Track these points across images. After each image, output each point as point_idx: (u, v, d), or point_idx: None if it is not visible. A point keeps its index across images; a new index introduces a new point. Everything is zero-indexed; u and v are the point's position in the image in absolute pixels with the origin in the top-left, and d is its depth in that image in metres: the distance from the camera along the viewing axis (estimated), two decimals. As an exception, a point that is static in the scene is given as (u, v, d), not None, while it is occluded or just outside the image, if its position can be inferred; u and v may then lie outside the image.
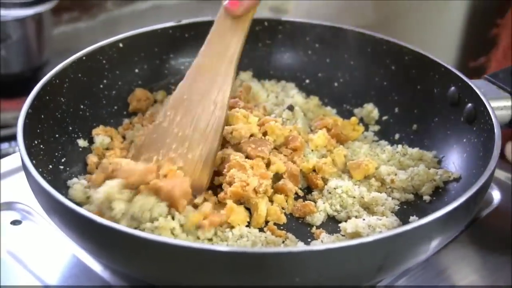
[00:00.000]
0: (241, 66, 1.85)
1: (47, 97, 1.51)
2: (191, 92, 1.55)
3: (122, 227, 1.19)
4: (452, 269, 1.43)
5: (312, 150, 1.58)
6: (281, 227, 1.42)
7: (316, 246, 1.23)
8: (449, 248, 1.44)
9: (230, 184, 1.40)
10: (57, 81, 1.54)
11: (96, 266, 1.40)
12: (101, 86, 1.68)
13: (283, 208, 1.46)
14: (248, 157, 1.46)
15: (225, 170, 1.43)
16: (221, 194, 1.41)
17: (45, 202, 1.31)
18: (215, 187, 1.46)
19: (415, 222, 1.18)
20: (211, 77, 1.56)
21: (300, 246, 1.32)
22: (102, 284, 1.38)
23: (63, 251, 1.44)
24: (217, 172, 1.46)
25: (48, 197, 1.26)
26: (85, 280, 1.39)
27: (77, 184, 1.46)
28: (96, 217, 1.19)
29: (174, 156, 1.46)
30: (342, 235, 1.38)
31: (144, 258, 1.19)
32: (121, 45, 1.70)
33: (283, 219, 1.43)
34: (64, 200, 1.23)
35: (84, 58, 1.62)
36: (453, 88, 1.60)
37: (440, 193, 1.51)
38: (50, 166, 1.45)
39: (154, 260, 1.18)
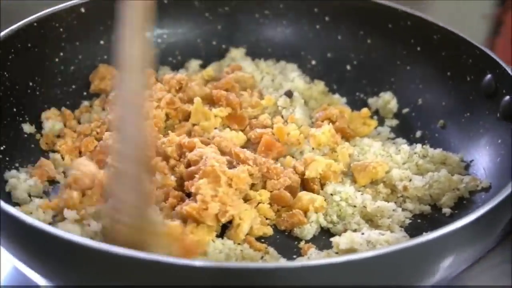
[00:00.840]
0: (233, 41, 1.86)
1: (-14, 71, 1.52)
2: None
3: (61, 232, 1.18)
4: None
5: (313, 148, 1.58)
6: (263, 240, 1.42)
7: (289, 263, 1.23)
8: (476, 269, 1.45)
9: (194, 196, 1.39)
10: (0, 51, 1.55)
11: (39, 279, 1.41)
12: (57, 59, 1.69)
13: (266, 218, 1.46)
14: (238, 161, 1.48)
15: (196, 176, 1.42)
16: (178, 208, 1.40)
17: None
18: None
19: (416, 239, 1.17)
20: None
21: (276, 263, 1.32)
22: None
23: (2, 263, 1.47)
24: (190, 174, 1.46)
25: None
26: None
27: (14, 179, 1.47)
28: (32, 220, 1.18)
29: None
30: (335, 252, 1.38)
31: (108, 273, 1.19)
32: (82, 10, 1.71)
33: (269, 232, 1.44)
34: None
35: (35, 24, 1.63)
36: (489, 76, 1.59)
37: (464, 205, 1.50)
38: (-16, 154, 1.46)
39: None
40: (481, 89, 1.60)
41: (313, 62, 1.85)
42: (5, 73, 1.57)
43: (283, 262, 1.33)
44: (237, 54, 1.85)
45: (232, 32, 1.87)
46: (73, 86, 1.71)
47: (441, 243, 1.18)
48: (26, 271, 1.39)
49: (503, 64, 1.56)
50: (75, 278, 1.24)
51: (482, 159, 1.56)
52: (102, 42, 1.76)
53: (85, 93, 1.73)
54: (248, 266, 1.16)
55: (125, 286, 1.18)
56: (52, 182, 1.52)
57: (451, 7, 2.21)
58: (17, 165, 1.53)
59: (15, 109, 1.58)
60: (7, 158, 1.52)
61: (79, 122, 1.66)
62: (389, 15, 1.77)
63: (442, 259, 1.22)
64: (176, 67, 1.84)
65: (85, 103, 1.71)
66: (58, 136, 1.61)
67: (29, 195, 1.47)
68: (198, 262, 1.12)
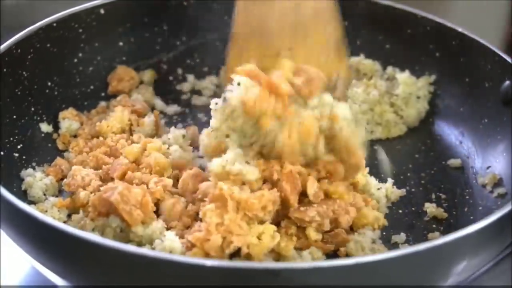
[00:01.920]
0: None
1: (4, 70, 1.52)
2: None
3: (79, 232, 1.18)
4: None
5: None
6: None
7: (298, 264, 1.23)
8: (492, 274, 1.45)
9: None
10: (19, 50, 1.56)
11: (57, 279, 1.41)
12: (75, 60, 1.70)
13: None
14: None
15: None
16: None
17: None
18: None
19: (431, 242, 1.16)
20: None
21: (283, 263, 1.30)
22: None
23: (19, 261, 1.47)
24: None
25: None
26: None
27: (30, 177, 1.48)
28: (45, 217, 1.19)
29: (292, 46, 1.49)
30: None
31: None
32: (102, 11, 1.72)
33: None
34: (15, 200, 1.21)
35: (55, 25, 1.64)
36: (507, 82, 1.58)
37: (480, 211, 1.50)
38: (2, 153, 1.46)
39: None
40: (499, 96, 1.59)
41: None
42: (24, 72, 1.58)
43: (291, 263, 1.32)
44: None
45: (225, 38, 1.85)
46: (91, 87, 1.72)
47: (456, 247, 1.19)
48: (44, 271, 1.41)
49: (522, 71, 1.56)
50: (88, 277, 1.25)
51: (499, 165, 1.55)
52: (121, 43, 1.77)
53: (103, 94, 1.74)
54: (256, 267, 1.15)
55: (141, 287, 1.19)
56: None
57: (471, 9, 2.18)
58: (34, 164, 1.54)
59: (33, 109, 1.59)
60: (24, 157, 1.53)
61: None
62: (408, 21, 1.77)
63: (456, 263, 1.21)
64: (193, 70, 1.84)
65: (102, 103, 1.71)
66: (75, 136, 1.62)
67: (44, 194, 1.48)
68: (208, 262, 1.12)
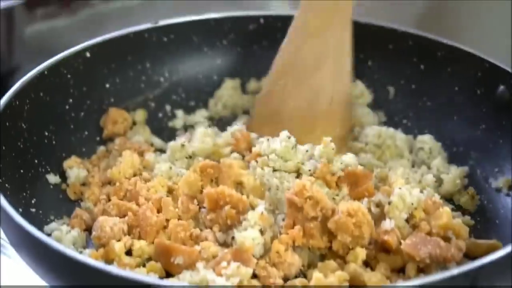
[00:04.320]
0: (233, 74, 1.85)
1: (7, 123, 1.46)
2: (301, 57, 1.55)
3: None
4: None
5: None
6: None
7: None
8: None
9: None
10: (17, 102, 1.50)
11: None
12: (67, 106, 1.65)
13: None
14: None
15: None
16: None
17: (14, 234, 1.29)
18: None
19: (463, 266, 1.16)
20: (323, 40, 1.58)
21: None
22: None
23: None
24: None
25: (16, 228, 1.24)
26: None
27: (57, 232, 1.43)
28: (81, 257, 1.17)
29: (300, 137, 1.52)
30: None
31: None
32: (88, 54, 1.68)
33: None
34: (37, 233, 1.20)
35: (46, 72, 1.59)
36: (502, 87, 1.61)
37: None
38: (20, 209, 1.39)
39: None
40: (495, 101, 1.62)
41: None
42: (22, 124, 1.52)
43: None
44: (230, 84, 1.84)
45: (229, 64, 1.85)
46: (86, 132, 1.67)
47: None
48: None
49: (516, 74, 1.59)
50: None
51: (508, 169, 1.57)
52: (107, 85, 1.73)
53: (98, 138, 1.69)
54: None
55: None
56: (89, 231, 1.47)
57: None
58: (52, 217, 1.48)
59: (36, 160, 1.53)
60: (41, 211, 1.47)
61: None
62: (388, 36, 1.78)
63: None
64: (180, 105, 1.81)
65: (101, 148, 1.67)
66: (84, 184, 1.57)
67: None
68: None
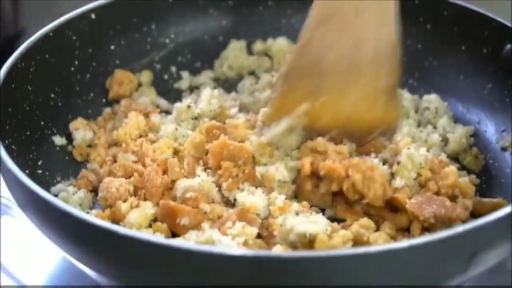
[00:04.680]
0: (239, 35, 1.84)
1: (13, 85, 1.46)
2: (342, 3, 1.46)
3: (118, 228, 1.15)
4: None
5: None
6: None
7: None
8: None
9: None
10: (23, 64, 1.50)
11: (90, 270, 1.38)
12: (72, 68, 1.64)
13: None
14: None
15: None
16: None
17: (23, 198, 1.29)
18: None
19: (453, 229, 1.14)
20: None
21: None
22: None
23: (49, 251, 1.44)
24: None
25: (24, 189, 1.23)
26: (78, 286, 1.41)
27: (64, 193, 1.44)
28: (88, 217, 1.17)
29: (343, 89, 1.45)
30: None
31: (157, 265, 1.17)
32: (93, 16, 1.67)
33: None
34: (44, 194, 1.20)
35: (51, 34, 1.58)
36: (509, 46, 1.60)
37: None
38: (27, 171, 1.40)
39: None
40: (501, 60, 1.61)
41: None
42: (28, 86, 1.52)
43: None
44: (236, 45, 1.83)
45: (234, 26, 1.85)
46: (92, 94, 1.68)
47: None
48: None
49: (524, 33, 1.58)
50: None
51: (516, 128, 1.57)
52: (112, 47, 1.73)
53: (104, 100, 1.69)
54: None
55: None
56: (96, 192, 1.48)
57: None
58: (58, 179, 1.50)
59: (42, 122, 1.54)
60: (47, 173, 1.48)
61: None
62: (395, -4, 1.77)
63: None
64: (186, 66, 1.81)
65: (107, 109, 1.67)
66: (90, 146, 1.57)
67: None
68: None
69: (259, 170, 1.42)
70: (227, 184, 1.41)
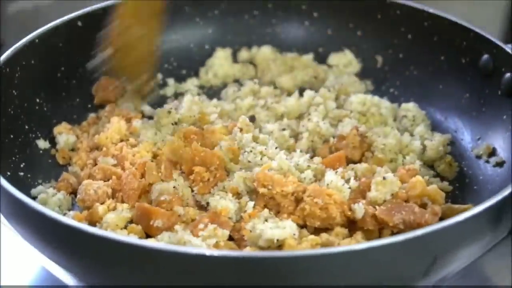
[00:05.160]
0: (224, 43, 1.87)
1: (-2, 89, 1.50)
2: None
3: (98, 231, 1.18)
4: (498, 277, 1.48)
5: None
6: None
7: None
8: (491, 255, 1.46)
9: None
10: (8, 69, 1.53)
11: (68, 279, 1.42)
12: (59, 74, 1.68)
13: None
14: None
15: None
16: None
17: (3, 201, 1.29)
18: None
19: (431, 227, 1.17)
20: None
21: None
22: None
23: (29, 262, 1.47)
24: None
25: (5, 195, 1.25)
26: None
27: (43, 195, 1.47)
28: (70, 221, 1.19)
29: None
30: None
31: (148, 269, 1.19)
32: (79, 23, 1.71)
33: None
34: (28, 201, 1.22)
35: (37, 41, 1.61)
36: (486, 56, 1.63)
37: (480, 180, 1.55)
38: (8, 173, 1.43)
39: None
40: (479, 70, 1.64)
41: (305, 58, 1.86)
42: (13, 91, 1.55)
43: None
44: (220, 54, 1.86)
45: (223, 34, 1.88)
46: (77, 100, 1.71)
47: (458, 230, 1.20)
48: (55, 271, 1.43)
49: (500, 44, 1.60)
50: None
51: (489, 137, 1.59)
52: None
53: (89, 106, 1.72)
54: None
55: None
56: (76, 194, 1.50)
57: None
58: (40, 181, 1.52)
59: (27, 126, 1.57)
60: (29, 175, 1.51)
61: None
62: (377, 6, 1.80)
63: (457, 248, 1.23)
64: (172, 73, 1.84)
65: (92, 115, 1.70)
66: (73, 150, 1.60)
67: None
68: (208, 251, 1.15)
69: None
70: (199, 188, 1.44)
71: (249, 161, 1.49)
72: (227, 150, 1.49)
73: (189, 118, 1.62)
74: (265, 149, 1.50)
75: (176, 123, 1.61)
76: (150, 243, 1.21)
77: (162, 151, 1.52)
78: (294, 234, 1.32)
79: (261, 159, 1.48)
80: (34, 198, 1.46)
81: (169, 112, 1.61)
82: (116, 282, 1.23)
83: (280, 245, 1.31)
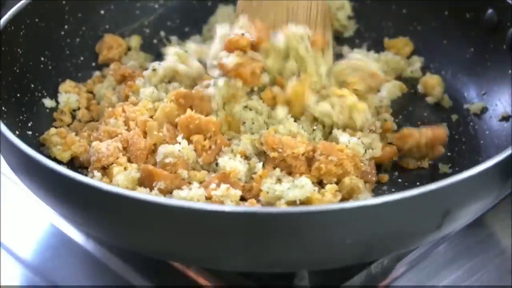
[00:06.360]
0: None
1: (3, 48, 1.49)
2: None
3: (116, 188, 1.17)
4: (500, 234, 1.50)
5: None
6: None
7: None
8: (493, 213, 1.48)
9: None
10: (12, 28, 1.52)
11: (77, 236, 1.42)
12: (62, 32, 1.67)
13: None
14: None
15: None
16: None
17: (14, 159, 1.30)
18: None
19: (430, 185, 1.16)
20: None
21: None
22: (85, 255, 1.41)
23: (38, 219, 1.47)
24: None
25: (17, 152, 1.25)
26: (65, 252, 1.41)
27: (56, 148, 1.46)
28: (80, 177, 1.18)
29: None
30: None
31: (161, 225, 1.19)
32: (83, -19, 1.69)
33: None
34: (37, 156, 1.22)
35: (41, -1, 1.60)
36: (490, 11, 1.62)
37: (487, 135, 1.55)
38: (17, 132, 1.42)
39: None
40: (483, 25, 1.63)
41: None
42: (18, 49, 1.54)
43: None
44: (223, 11, 1.85)
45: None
46: (81, 58, 1.70)
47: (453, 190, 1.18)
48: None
49: (504, -2, 1.60)
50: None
51: (495, 92, 1.59)
52: (102, 12, 1.74)
53: (93, 64, 1.71)
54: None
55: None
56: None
57: None
58: (47, 139, 1.51)
59: (32, 85, 1.56)
60: (37, 134, 1.50)
61: (92, 93, 1.65)
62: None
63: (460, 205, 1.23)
64: (175, 31, 1.83)
65: (97, 73, 1.69)
66: (79, 108, 1.60)
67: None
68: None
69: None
70: (203, 158, 1.42)
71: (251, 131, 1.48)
72: (224, 120, 1.48)
73: (171, 70, 1.59)
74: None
75: (169, 82, 1.59)
76: (171, 200, 1.20)
77: (156, 116, 1.49)
78: (314, 190, 1.32)
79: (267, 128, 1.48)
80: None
81: (154, 70, 1.59)
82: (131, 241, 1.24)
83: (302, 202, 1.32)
